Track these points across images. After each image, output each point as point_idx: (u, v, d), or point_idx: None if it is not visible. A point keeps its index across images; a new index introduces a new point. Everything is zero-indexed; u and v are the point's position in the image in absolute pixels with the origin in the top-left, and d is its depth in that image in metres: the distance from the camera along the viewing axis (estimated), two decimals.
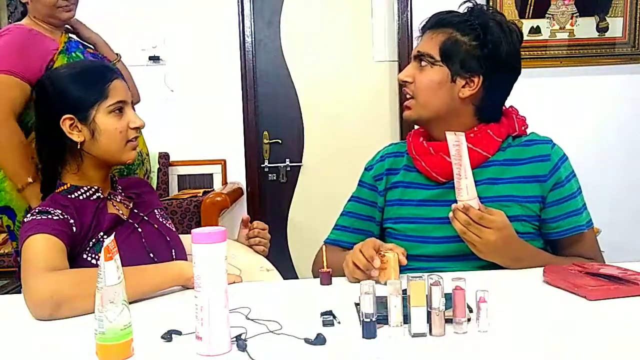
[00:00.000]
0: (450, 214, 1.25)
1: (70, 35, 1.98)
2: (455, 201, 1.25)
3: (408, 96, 1.41)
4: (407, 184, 1.45)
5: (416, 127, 1.50)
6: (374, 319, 0.91)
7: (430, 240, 1.37)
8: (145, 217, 1.40)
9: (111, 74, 1.33)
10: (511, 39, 1.35)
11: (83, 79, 1.31)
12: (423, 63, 1.38)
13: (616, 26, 3.38)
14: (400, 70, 3.53)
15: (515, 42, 1.36)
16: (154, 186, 3.37)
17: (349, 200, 1.56)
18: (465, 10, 1.39)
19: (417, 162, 1.42)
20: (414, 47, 1.49)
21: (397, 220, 1.43)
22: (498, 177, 1.37)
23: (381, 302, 0.96)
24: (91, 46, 2.00)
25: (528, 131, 1.43)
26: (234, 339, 0.91)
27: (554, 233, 1.37)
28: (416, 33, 1.48)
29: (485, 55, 1.34)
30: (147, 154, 2.06)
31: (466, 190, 1.23)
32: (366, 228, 1.51)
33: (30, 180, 1.75)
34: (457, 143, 1.22)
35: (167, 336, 0.94)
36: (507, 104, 1.46)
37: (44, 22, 1.89)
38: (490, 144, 1.37)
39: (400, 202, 1.44)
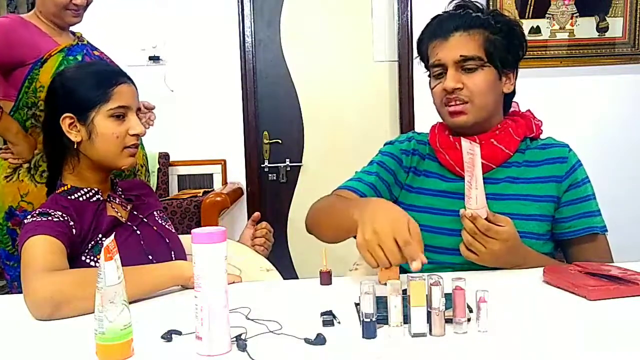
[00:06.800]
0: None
1: (80, 38, 1.96)
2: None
3: (459, 102, 1.36)
4: (427, 173, 1.45)
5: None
6: (374, 319, 0.91)
7: (445, 232, 1.36)
8: (144, 219, 1.40)
9: (118, 78, 1.32)
10: (522, 33, 1.45)
11: (88, 80, 1.31)
12: (470, 66, 1.35)
13: (616, 26, 3.38)
14: (400, 70, 3.56)
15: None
16: (154, 187, 3.38)
17: (372, 164, 1.52)
18: (470, 11, 1.38)
19: (440, 154, 1.43)
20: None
21: (414, 209, 1.41)
22: (518, 177, 1.38)
23: (381, 302, 0.96)
24: (98, 48, 2.00)
25: (543, 136, 1.45)
26: (234, 339, 0.91)
27: (566, 233, 1.36)
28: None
29: (514, 51, 1.41)
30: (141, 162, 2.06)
31: (475, 200, 1.22)
32: (380, 188, 1.46)
33: None
34: (471, 152, 1.21)
35: (167, 336, 0.94)
36: (522, 107, 1.49)
37: (47, 20, 1.87)
38: (511, 142, 1.39)
39: (418, 190, 1.44)
